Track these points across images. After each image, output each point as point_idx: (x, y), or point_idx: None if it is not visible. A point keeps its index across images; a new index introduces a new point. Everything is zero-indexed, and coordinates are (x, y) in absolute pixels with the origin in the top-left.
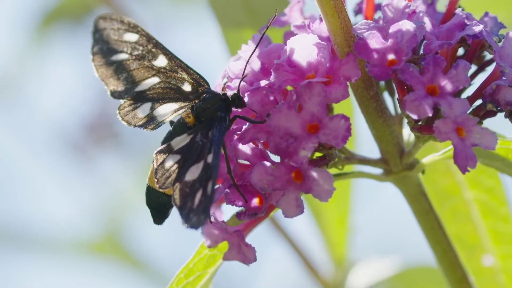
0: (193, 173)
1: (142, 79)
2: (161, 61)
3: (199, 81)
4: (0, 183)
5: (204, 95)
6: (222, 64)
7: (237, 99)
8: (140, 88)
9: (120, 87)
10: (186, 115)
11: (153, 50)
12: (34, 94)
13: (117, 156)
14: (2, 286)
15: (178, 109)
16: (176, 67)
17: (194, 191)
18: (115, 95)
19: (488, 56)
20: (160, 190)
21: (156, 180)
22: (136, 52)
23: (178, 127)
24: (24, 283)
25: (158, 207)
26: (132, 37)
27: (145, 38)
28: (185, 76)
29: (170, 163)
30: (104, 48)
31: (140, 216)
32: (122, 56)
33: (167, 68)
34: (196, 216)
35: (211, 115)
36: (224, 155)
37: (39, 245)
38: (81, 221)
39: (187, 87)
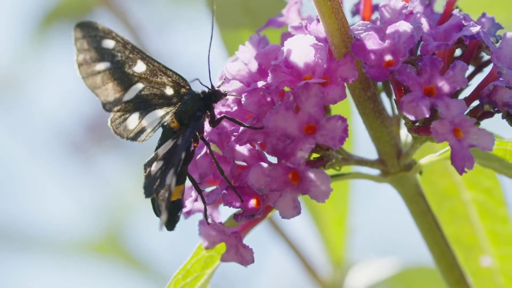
0: (170, 176)
1: (126, 88)
2: (140, 66)
3: (179, 83)
4: (0, 183)
5: (185, 97)
6: (221, 64)
7: (213, 95)
8: (127, 97)
9: (110, 97)
10: (171, 120)
11: (131, 55)
12: (34, 94)
13: (117, 156)
14: (2, 286)
15: (164, 115)
16: (155, 71)
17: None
18: (107, 107)
19: (485, 57)
20: (148, 198)
21: (143, 190)
22: (116, 59)
23: (166, 133)
24: (25, 283)
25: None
26: (109, 43)
27: (121, 43)
28: (164, 79)
29: (154, 170)
30: (87, 58)
31: (140, 216)
32: (105, 65)
33: (147, 73)
34: (163, 213)
35: (192, 116)
36: (212, 155)
37: (39, 245)
38: (81, 221)
39: (169, 91)
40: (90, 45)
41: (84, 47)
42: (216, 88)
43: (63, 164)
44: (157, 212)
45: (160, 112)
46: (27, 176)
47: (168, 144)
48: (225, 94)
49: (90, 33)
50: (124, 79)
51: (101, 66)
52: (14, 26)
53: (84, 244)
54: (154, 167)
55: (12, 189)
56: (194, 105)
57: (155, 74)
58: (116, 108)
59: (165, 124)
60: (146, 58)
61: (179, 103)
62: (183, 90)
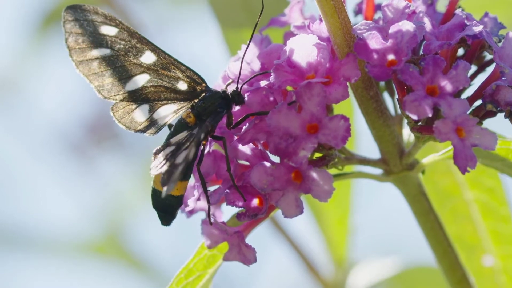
0: (181, 156)
1: (129, 76)
2: (148, 57)
3: (194, 79)
4: (0, 184)
5: (204, 94)
6: (222, 64)
7: (236, 96)
8: (130, 87)
9: (107, 85)
10: (187, 115)
11: (138, 45)
12: (34, 95)
13: (117, 157)
14: (4, 287)
15: (178, 110)
16: (167, 64)
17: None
18: (103, 93)
19: (488, 56)
20: (152, 175)
21: (150, 169)
22: (118, 47)
23: (179, 127)
24: (25, 284)
25: (165, 208)
26: (110, 30)
27: (126, 32)
28: (178, 73)
29: (165, 153)
30: (80, 42)
31: (140, 217)
32: (103, 52)
33: (157, 65)
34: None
35: (212, 113)
36: (225, 154)
37: (39, 246)
38: (81, 222)
39: (182, 86)
40: (84, 29)
41: (76, 30)
42: (240, 92)
43: (63, 165)
44: (156, 206)
45: (173, 107)
46: (27, 177)
47: (183, 134)
48: (244, 101)
49: (87, 17)
50: (126, 68)
51: (99, 52)
52: (14, 26)
53: (85, 245)
54: (165, 150)
55: (12, 190)
56: (215, 103)
57: (166, 67)
58: (118, 97)
59: (179, 118)
60: (157, 50)
61: (195, 99)
62: (199, 87)
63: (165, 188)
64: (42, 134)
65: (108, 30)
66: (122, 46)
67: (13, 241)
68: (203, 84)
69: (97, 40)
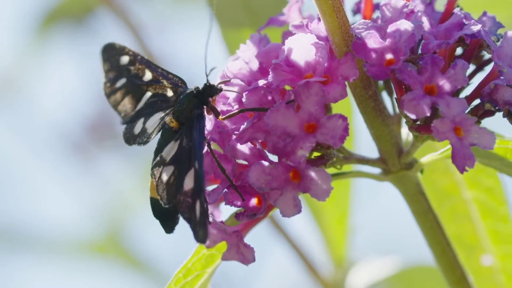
0: (188, 182)
1: (139, 98)
2: (148, 75)
3: (177, 83)
4: (1, 183)
5: (181, 96)
6: (222, 63)
7: (208, 89)
8: (138, 107)
9: (128, 112)
10: (170, 120)
11: (140, 66)
12: (35, 94)
13: (118, 156)
14: (4, 287)
15: (163, 116)
16: (157, 76)
17: (194, 201)
18: (125, 120)
19: (486, 55)
20: (167, 206)
21: (159, 198)
22: (130, 73)
23: (165, 134)
24: (26, 283)
25: (165, 216)
26: (125, 59)
27: (132, 56)
28: (165, 82)
29: (167, 176)
30: (111, 77)
31: (140, 217)
32: (122, 81)
33: (153, 80)
34: (201, 229)
35: (189, 114)
36: (212, 154)
37: (40, 245)
38: (82, 221)
39: (169, 93)
40: (111, 65)
41: (107, 67)
42: (211, 83)
43: (64, 165)
44: (157, 215)
45: (160, 114)
46: (28, 176)
47: (172, 146)
48: (220, 89)
49: (111, 53)
50: (136, 91)
51: (119, 82)
52: (15, 26)
53: (85, 244)
54: (166, 173)
55: (13, 189)
56: (190, 103)
57: (157, 79)
58: (131, 120)
59: (165, 124)
60: (152, 66)
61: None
62: (179, 89)
63: (206, 244)
64: (43, 133)
65: (124, 60)
66: (132, 71)
67: (13, 240)
68: (183, 86)
69: (119, 72)
